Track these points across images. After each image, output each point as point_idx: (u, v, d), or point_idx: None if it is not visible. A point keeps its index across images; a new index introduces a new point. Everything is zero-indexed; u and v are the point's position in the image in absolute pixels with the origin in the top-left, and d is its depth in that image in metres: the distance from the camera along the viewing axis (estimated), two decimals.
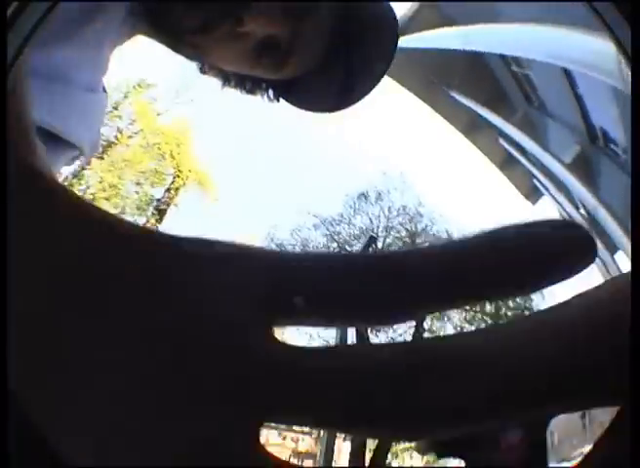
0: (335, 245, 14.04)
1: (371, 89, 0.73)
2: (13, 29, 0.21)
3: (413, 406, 0.17)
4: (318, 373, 0.18)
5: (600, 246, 9.81)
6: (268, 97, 0.74)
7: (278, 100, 0.75)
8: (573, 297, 0.18)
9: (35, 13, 0.22)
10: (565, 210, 11.37)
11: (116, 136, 13.31)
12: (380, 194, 14.66)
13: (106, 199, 12.85)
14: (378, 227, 14.09)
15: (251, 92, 0.73)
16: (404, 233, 14.23)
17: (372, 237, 10.10)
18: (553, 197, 11.85)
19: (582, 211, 10.08)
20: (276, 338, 0.19)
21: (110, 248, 0.20)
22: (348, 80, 0.71)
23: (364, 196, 14.70)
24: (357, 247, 9.20)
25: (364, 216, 14.51)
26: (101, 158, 12.88)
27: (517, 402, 0.17)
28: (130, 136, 13.84)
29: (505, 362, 0.17)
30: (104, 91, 0.66)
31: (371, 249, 12.15)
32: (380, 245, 13.70)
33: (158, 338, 0.19)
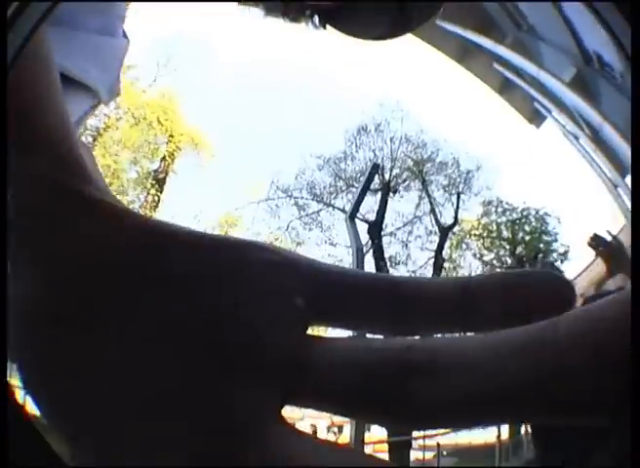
0: (341, 183, 13.96)
1: (432, 13, 0.64)
2: (13, 29, 0.21)
3: (409, 400, 0.19)
4: (332, 369, 0.21)
5: (610, 168, 9.69)
6: (314, 24, 0.65)
7: (325, 28, 0.66)
8: (578, 310, 0.19)
9: (35, 13, 0.22)
10: (569, 131, 11.20)
11: (105, 123, 13.18)
12: (379, 125, 14.32)
13: (109, 185, 12.76)
14: (382, 159, 13.85)
15: (294, 20, 0.65)
16: (410, 163, 14.05)
17: (375, 165, 9.98)
18: (556, 119, 11.65)
19: (587, 130, 9.89)
20: (306, 335, 0.22)
21: (163, 253, 0.23)
22: (405, 2, 0.61)
23: (363, 129, 14.36)
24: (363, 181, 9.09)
25: (367, 150, 14.28)
26: (93, 147, 12.76)
27: (508, 407, 0.18)
28: (118, 119, 13.68)
29: (497, 369, 0.18)
30: (125, 37, 0.62)
31: (377, 177, 12.17)
32: (386, 176, 13.63)
33: (200, 332, 0.22)
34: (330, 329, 0.25)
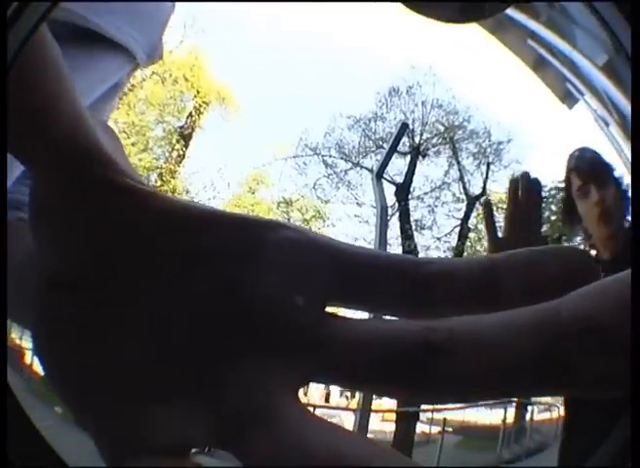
0: (370, 143, 13.83)
1: (506, 4, 0.58)
2: (13, 29, 0.21)
3: (430, 377, 0.20)
4: (351, 347, 0.21)
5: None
6: None
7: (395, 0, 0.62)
8: (582, 290, 0.19)
9: (35, 13, 0.22)
10: (600, 116, 11.02)
11: (130, 82, 13.19)
12: (410, 87, 14.07)
13: (133, 144, 12.78)
14: (413, 121, 13.69)
15: None
16: (441, 128, 13.86)
17: (404, 124, 9.88)
18: (588, 103, 11.47)
19: (617, 117, 9.73)
20: (324, 313, 0.23)
21: (184, 231, 0.24)
22: None
23: (395, 91, 14.12)
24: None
25: (397, 112, 14.07)
26: (117, 108, 12.73)
27: (516, 384, 0.19)
28: (143, 80, 13.64)
29: (508, 347, 0.19)
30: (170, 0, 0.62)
31: (407, 138, 12.10)
32: (416, 139, 13.51)
33: (229, 310, 0.22)
34: (347, 310, 0.24)
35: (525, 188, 1.38)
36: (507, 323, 0.20)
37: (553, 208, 13.24)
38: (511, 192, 1.40)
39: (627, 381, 0.18)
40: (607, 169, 1.76)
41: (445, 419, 8.60)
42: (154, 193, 0.25)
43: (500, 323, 0.20)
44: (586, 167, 1.73)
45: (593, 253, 1.70)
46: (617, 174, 1.76)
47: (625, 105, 8.50)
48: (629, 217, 1.67)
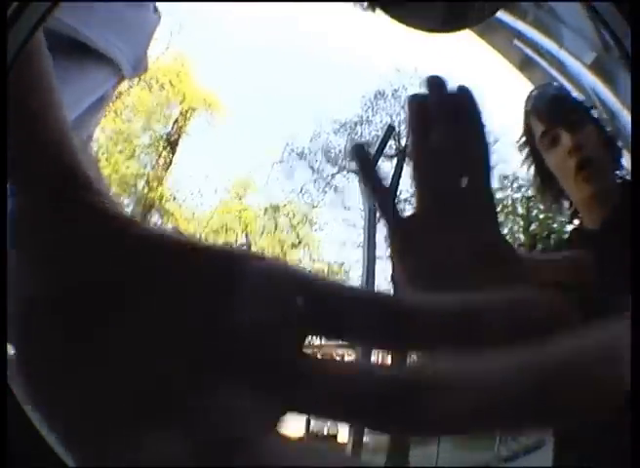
0: None
1: (491, 12, 0.61)
2: (13, 29, 0.21)
3: (409, 411, 0.20)
4: (331, 380, 0.21)
5: (625, 155, 9.58)
6: (362, 6, 0.64)
7: (374, 10, 0.64)
8: (569, 336, 0.20)
9: (35, 13, 0.22)
10: None
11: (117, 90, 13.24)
12: (396, 90, 14.36)
13: (120, 152, 12.76)
14: (399, 124, 13.80)
15: None
16: None
17: (390, 126, 9.92)
18: None
19: (605, 116, 9.79)
20: (302, 351, 0.22)
21: (161, 262, 0.23)
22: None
23: (380, 94, 14.45)
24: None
25: (384, 115, 14.31)
26: (104, 116, 12.73)
27: (501, 421, 0.19)
28: (130, 87, 13.66)
29: (491, 387, 0.19)
30: (156, 12, 0.62)
31: (393, 141, 12.19)
32: (402, 142, 13.58)
33: (198, 342, 0.22)
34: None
35: (442, 105, 0.60)
36: (494, 361, 0.20)
37: (542, 206, 13.30)
38: (414, 118, 0.61)
39: (617, 405, 0.19)
40: (579, 107, 1.20)
41: None
42: (132, 221, 0.24)
43: (487, 360, 0.20)
44: (547, 107, 1.16)
45: (577, 222, 1.24)
46: (595, 113, 1.22)
47: (614, 103, 8.56)
48: (620, 173, 1.19)
